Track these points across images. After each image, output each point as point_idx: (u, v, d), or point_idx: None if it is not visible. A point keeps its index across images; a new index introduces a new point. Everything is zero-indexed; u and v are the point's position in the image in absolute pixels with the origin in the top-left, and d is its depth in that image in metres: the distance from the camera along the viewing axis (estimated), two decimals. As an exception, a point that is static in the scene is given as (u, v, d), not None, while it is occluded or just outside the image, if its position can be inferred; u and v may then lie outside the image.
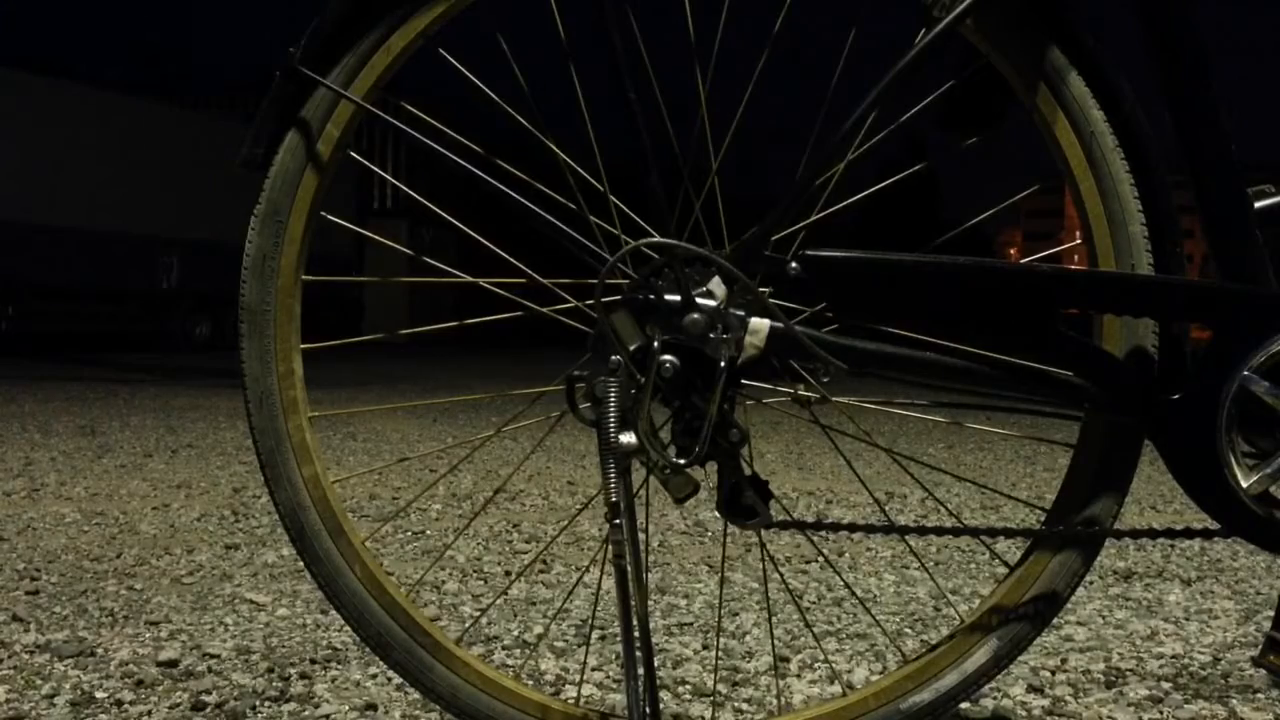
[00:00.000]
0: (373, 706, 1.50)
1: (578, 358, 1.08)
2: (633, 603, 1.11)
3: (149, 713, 1.46)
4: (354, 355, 14.05)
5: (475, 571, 2.33)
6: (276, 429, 1.12)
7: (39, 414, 5.64)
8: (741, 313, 1.04)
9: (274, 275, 1.11)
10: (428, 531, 2.78)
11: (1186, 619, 2.04)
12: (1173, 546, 2.70)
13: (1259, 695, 1.60)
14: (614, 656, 1.73)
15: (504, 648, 1.79)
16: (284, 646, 1.77)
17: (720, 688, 1.60)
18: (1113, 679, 1.66)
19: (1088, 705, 1.55)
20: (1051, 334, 1.04)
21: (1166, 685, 1.64)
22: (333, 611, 1.98)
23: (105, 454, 4.19)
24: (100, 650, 1.73)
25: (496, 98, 1.14)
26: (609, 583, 2.36)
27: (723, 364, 1.03)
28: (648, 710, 1.12)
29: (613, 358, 1.04)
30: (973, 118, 1.16)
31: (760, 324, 1.04)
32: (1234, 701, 1.57)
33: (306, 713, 1.48)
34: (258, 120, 1.10)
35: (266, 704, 1.50)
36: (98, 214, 13.85)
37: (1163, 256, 1.08)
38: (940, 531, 1.26)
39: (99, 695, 1.52)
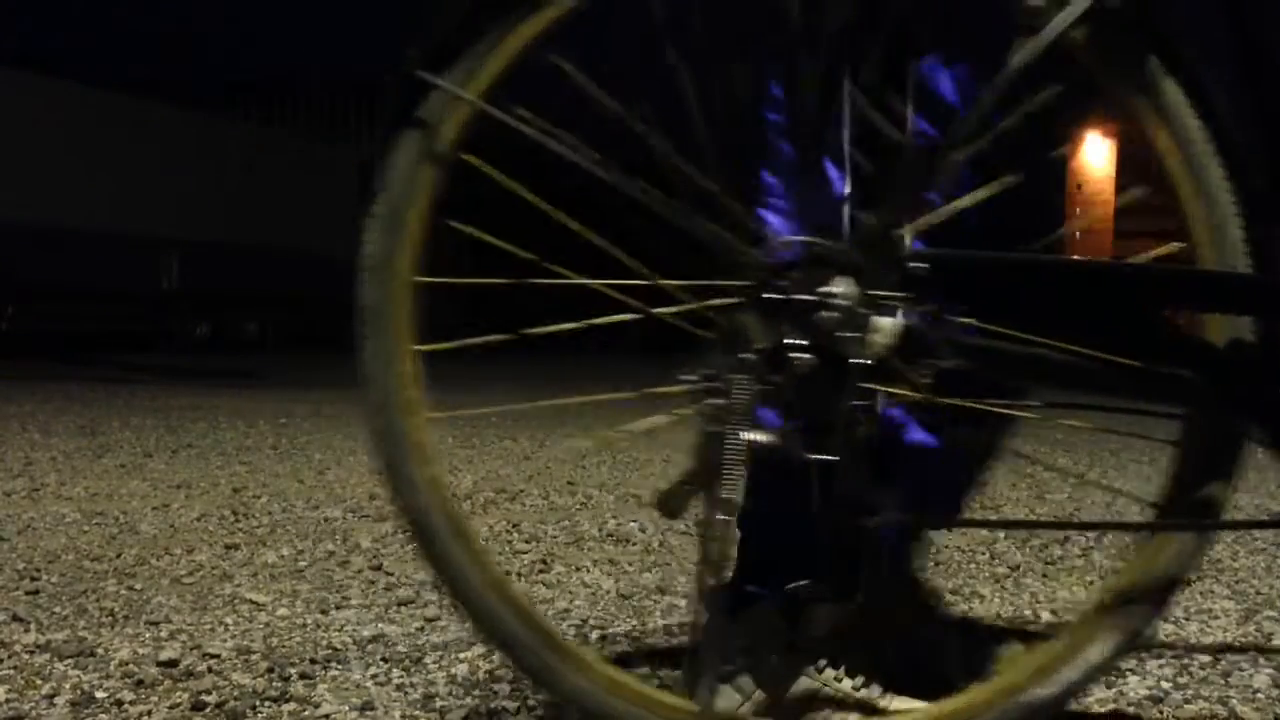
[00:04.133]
0: (372, 706, 1.50)
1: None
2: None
3: (149, 713, 1.46)
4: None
5: (475, 571, 2.33)
6: (397, 431, 1.11)
7: (39, 414, 5.64)
8: (873, 311, 1.05)
9: (392, 277, 1.11)
10: (428, 531, 2.78)
11: (1186, 619, 2.04)
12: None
13: (1259, 695, 1.60)
14: (614, 656, 1.73)
15: (504, 648, 1.79)
16: (284, 646, 1.77)
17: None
18: (1113, 679, 1.66)
19: (1088, 705, 1.55)
20: (1161, 332, 1.08)
21: (1166, 685, 1.64)
22: (333, 611, 1.98)
23: (105, 454, 4.19)
24: (100, 650, 1.73)
25: (607, 99, 1.14)
26: (609, 583, 2.36)
27: (854, 362, 1.03)
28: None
29: (742, 356, 1.04)
30: (1060, 126, 1.19)
31: (892, 323, 1.05)
32: (1234, 701, 1.57)
33: (306, 713, 1.48)
34: (381, 123, 1.12)
35: (266, 704, 1.50)
36: (98, 214, 13.84)
37: (1260, 256, 1.11)
38: (1050, 526, 1.27)
39: (99, 695, 1.52)
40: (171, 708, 1.48)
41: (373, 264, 1.11)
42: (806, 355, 1.04)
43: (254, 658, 1.71)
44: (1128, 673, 1.70)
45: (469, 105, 1.09)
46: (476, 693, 1.57)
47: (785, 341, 1.05)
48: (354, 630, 1.87)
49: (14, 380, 8.03)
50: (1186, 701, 1.57)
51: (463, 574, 1.13)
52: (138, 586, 2.16)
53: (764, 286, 1.06)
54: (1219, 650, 1.83)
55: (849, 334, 1.04)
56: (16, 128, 12.96)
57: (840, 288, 1.05)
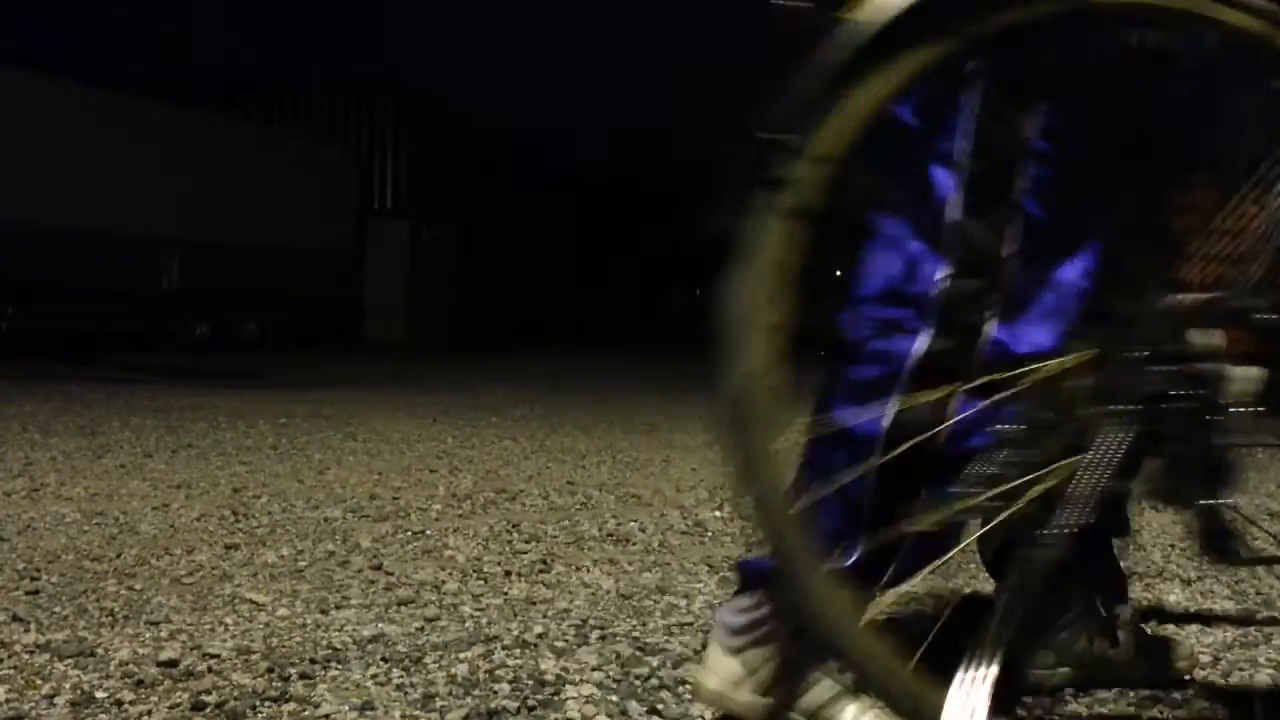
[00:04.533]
0: (372, 706, 1.50)
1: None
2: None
3: (149, 713, 1.46)
4: (354, 358, 14.03)
5: (475, 571, 2.33)
6: (755, 452, 1.13)
7: (39, 414, 5.64)
8: (1235, 361, 1.10)
9: (757, 327, 1.13)
10: (428, 531, 2.78)
11: (1186, 619, 2.04)
12: (1172, 547, 2.70)
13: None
14: (614, 656, 1.73)
15: (504, 648, 1.79)
16: (284, 646, 1.77)
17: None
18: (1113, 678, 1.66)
19: (1087, 705, 1.55)
20: None
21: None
22: (333, 611, 1.99)
23: (105, 454, 4.19)
24: (100, 650, 1.73)
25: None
26: (609, 583, 2.36)
27: (1222, 410, 1.09)
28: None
29: (1118, 408, 1.10)
30: None
31: (1257, 372, 1.10)
32: (1235, 701, 1.57)
33: (306, 713, 1.48)
34: (733, 185, 1.15)
35: (266, 704, 1.50)
36: (98, 214, 13.82)
37: None
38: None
39: (99, 695, 1.52)
40: (171, 708, 1.48)
41: (735, 313, 1.13)
42: (1180, 405, 1.09)
43: (254, 658, 1.71)
44: (1128, 673, 1.70)
45: (828, 165, 1.12)
46: (476, 693, 1.57)
47: (1158, 392, 1.10)
48: (354, 630, 1.87)
49: (14, 380, 8.03)
50: (1186, 702, 1.57)
51: (813, 593, 1.13)
52: (138, 586, 2.16)
53: (1132, 341, 1.12)
54: (1219, 650, 1.83)
55: (1216, 384, 1.09)
56: (16, 128, 12.95)
57: (1208, 340, 1.11)
